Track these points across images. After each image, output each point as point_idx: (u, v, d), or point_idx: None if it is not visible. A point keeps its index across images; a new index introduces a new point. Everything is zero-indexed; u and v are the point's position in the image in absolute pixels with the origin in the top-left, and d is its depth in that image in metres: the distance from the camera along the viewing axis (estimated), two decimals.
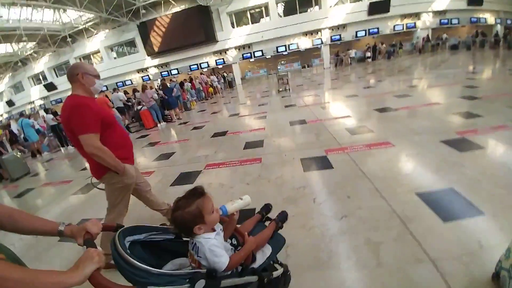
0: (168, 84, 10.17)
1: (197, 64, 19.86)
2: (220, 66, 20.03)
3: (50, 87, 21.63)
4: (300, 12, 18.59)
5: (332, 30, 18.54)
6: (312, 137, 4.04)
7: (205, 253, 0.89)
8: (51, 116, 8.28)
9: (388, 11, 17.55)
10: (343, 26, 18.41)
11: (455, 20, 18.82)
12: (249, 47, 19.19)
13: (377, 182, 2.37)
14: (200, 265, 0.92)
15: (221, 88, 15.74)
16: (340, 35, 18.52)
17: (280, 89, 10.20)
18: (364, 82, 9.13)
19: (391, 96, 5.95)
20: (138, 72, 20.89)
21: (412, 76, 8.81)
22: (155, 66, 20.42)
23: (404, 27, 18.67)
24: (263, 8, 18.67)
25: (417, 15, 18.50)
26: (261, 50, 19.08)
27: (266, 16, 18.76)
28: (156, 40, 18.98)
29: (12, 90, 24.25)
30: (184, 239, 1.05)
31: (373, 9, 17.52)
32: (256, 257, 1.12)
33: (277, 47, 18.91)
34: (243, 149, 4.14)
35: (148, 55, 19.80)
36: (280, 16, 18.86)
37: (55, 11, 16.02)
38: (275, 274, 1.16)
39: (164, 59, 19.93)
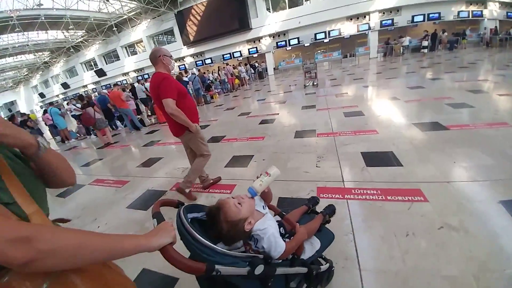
0: (187, 77, 9.70)
1: (230, 53, 19.16)
2: (255, 55, 18.97)
3: (100, 73, 23.51)
4: None
5: (383, 13, 15.77)
6: (310, 163, 2.95)
7: (264, 244, 0.89)
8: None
9: None
10: (397, 9, 15.49)
11: None
12: (284, 34, 17.64)
13: None
14: (258, 252, 0.91)
15: (249, 79, 14.85)
16: (392, 19, 15.65)
17: (307, 84, 8.86)
18: (414, 80, 7.23)
19: (443, 105, 4.32)
20: (176, 62, 21.16)
21: (477, 76, 6.61)
22: (190, 56, 20.41)
23: (470, 15, 14.97)
24: None
25: (483, 3, 14.69)
26: (297, 38, 17.35)
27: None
28: (191, 29, 18.77)
29: (67, 74, 27.09)
30: None
31: None
32: (305, 248, 1.11)
33: (315, 34, 16.95)
34: (224, 166, 3.30)
35: (184, 45, 19.80)
36: None
37: (100, 1, 16.87)
38: (323, 268, 1.16)
39: (199, 48, 19.72)
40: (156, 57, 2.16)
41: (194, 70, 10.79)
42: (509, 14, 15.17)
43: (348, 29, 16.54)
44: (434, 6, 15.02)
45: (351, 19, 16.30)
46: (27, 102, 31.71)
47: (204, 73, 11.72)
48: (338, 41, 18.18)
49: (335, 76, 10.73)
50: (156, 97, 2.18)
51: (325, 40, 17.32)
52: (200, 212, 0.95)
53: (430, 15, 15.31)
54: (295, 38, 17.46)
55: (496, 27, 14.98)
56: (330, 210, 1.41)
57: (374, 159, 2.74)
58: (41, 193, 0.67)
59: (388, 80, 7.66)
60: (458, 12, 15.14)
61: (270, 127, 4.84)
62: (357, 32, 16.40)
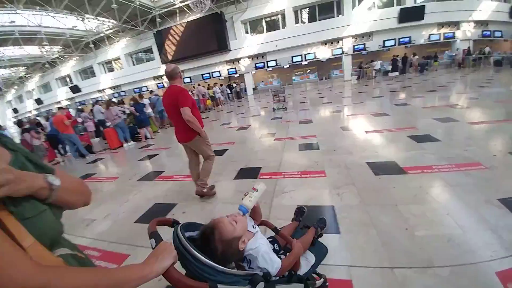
0: (148, 98, 9.01)
1: (209, 73, 18.81)
2: (236, 75, 18.72)
3: (75, 89, 22.34)
4: (320, 20, 16.54)
5: (356, 39, 16.17)
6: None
7: (258, 263, 0.87)
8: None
9: (422, 18, 14.77)
10: (369, 34, 15.94)
11: (497, 33, 15.53)
12: (262, 56, 17.62)
13: None
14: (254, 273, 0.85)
15: (224, 100, 14.36)
16: (364, 44, 16.05)
17: (275, 107, 8.38)
18: (380, 105, 6.92)
19: (405, 137, 3.84)
20: (154, 79, 20.53)
21: (447, 100, 6.38)
22: None
23: (441, 37, 15.58)
24: (279, 16, 17.00)
25: (456, 25, 15.38)
26: (275, 60, 17.35)
27: (282, 24, 17.03)
28: (170, 48, 18.42)
29: (41, 89, 25.60)
30: None
31: (404, 16, 14.87)
32: (301, 264, 1.08)
33: (292, 57, 17.03)
34: (133, 222, 2.53)
35: (162, 63, 19.30)
36: (303, 23, 16.96)
37: (78, 18, 16.25)
38: (318, 283, 1.14)
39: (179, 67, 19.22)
40: (176, 73, 2.49)
41: (157, 92, 10.11)
42: (484, 33, 15.71)
43: (323, 53, 16.77)
44: (404, 30, 15.52)
45: (325, 44, 16.57)
46: (1, 117, 29.54)
47: None
48: (315, 64, 18.37)
49: (307, 99, 10.41)
50: (172, 106, 2.50)
51: (303, 63, 17.41)
52: (195, 231, 0.93)
53: (401, 40, 15.83)
54: (273, 60, 17.45)
55: (469, 47, 15.36)
56: (322, 223, 1.40)
57: (310, 219, 2.08)
58: (61, 210, 0.66)
59: (355, 105, 7.32)
60: (429, 35, 15.64)
61: (217, 161, 4.14)
62: (331, 56, 16.64)
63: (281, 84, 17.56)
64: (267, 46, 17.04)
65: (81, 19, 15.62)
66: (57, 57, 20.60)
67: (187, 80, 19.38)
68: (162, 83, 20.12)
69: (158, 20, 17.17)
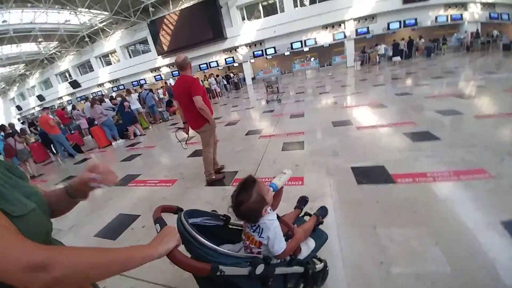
0: (138, 94, 8.68)
1: (206, 63, 18.20)
2: (235, 65, 18.05)
3: (75, 84, 22.17)
4: (320, 2, 15.54)
5: (359, 21, 15.18)
6: None
7: (270, 234, 0.91)
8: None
9: None
10: (372, 16, 14.93)
11: (505, 16, 14.23)
12: (260, 43, 16.85)
13: None
14: (261, 244, 0.93)
15: (220, 91, 13.89)
16: (368, 27, 15.07)
17: (269, 99, 7.93)
18: (379, 95, 6.40)
19: (401, 135, 3.42)
20: (152, 72, 20.09)
21: (452, 88, 5.81)
22: (166, 66, 19.36)
23: (449, 19, 14.47)
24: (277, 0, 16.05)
25: (463, 5, 14.19)
26: (274, 47, 16.57)
27: (280, 8, 16.10)
28: (165, 39, 17.81)
29: (42, 85, 25.52)
30: (231, 227, 1.08)
31: None
32: (302, 249, 1.12)
33: (291, 43, 16.21)
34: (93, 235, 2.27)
35: (158, 55, 18.79)
36: (302, 6, 15.95)
37: (70, 12, 15.77)
38: (318, 267, 1.17)
39: (175, 58, 18.65)
40: (186, 63, 2.63)
41: (146, 86, 9.76)
42: (492, 15, 14.68)
43: (324, 38, 15.88)
44: (410, 12, 14.50)
45: (326, 28, 15.65)
46: (6, 114, 29.91)
47: (162, 87, 10.75)
48: (316, 50, 17.50)
49: (305, 89, 9.86)
50: (184, 94, 2.60)
51: (305, 49, 16.55)
52: (199, 217, 0.98)
53: (407, 22, 14.79)
54: (271, 48, 16.68)
55: (477, 30, 14.40)
56: (323, 212, 1.47)
57: None
58: (48, 210, 0.68)
59: (352, 96, 6.80)
60: (436, 17, 14.62)
61: (193, 164, 3.84)
62: (333, 41, 15.74)
63: (279, 72, 16.88)
64: (265, 32, 16.22)
65: (74, 13, 15.16)
66: (54, 52, 20.33)
67: None
68: (160, 75, 19.68)
69: (151, 9, 16.52)
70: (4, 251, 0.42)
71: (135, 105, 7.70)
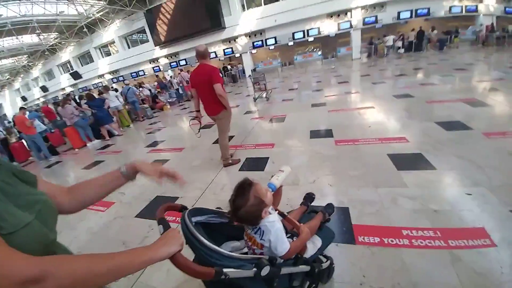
0: (113, 91, 8.10)
1: None
2: (237, 55, 17.10)
3: (76, 75, 21.93)
4: None
5: (366, 10, 13.84)
6: None
7: (271, 237, 0.88)
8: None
9: None
10: (381, 4, 13.55)
11: None
12: (261, 33, 15.80)
13: None
14: (263, 246, 0.91)
15: None
16: (376, 16, 13.73)
17: (257, 96, 7.18)
18: (377, 95, 5.57)
19: (384, 157, 2.70)
20: (150, 63, 19.49)
21: (463, 89, 4.91)
22: (164, 56, 18.66)
23: (463, 10, 12.97)
24: None
25: None
26: (275, 37, 15.51)
27: None
28: (162, 28, 17.04)
29: (45, 76, 25.37)
30: (236, 224, 0.99)
31: None
32: (308, 247, 1.09)
33: (293, 33, 15.10)
34: None
35: (155, 45, 18.11)
36: None
37: (65, 3, 15.20)
38: (324, 265, 1.16)
39: (173, 48, 17.91)
40: (206, 53, 2.75)
41: (127, 81, 9.20)
42: (507, 9, 13.13)
43: (329, 27, 14.65)
44: (422, 0, 13.07)
45: (331, 17, 14.38)
46: (12, 105, 30.34)
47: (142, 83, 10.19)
48: (320, 40, 16.28)
49: (300, 85, 9.01)
50: (204, 82, 2.71)
51: (309, 39, 15.38)
52: (204, 215, 0.95)
53: (418, 11, 13.37)
54: (272, 38, 15.62)
55: (492, 23, 12.98)
56: (330, 209, 1.42)
57: None
58: (54, 217, 0.65)
59: (347, 96, 5.97)
60: (450, 7, 13.18)
61: (141, 181, 3.26)
62: (338, 30, 14.50)
63: (280, 64, 15.90)
64: (266, 21, 15.12)
65: (68, 3, 14.58)
66: (55, 43, 19.99)
67: (183, 62, 18.16)
68: (158, 66, 19.06)
69: None
70: None
71: (114, 102, 7.16)
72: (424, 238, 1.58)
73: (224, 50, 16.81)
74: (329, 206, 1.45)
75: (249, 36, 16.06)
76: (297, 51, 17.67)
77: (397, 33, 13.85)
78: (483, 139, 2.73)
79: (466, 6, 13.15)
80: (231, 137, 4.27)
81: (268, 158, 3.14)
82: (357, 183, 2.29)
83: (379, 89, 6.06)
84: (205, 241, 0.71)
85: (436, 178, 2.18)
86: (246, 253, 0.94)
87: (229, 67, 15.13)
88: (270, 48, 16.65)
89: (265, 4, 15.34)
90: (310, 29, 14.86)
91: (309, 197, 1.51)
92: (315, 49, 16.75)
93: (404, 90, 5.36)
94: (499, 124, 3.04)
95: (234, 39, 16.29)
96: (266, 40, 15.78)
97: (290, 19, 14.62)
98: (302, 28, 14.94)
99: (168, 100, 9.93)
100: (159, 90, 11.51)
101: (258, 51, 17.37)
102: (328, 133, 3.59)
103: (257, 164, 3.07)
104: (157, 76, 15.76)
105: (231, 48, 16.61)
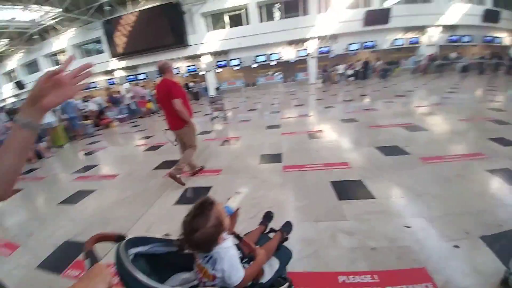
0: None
1: None
2: (201, 73, 16.78)
3: (20, 85, 19.08)
4: (285, 18, 15.26)
5: (322, 41, 15.12)
6: None
7: (224, 265, 0.80)
8: None
9: (387, 22, 13.99)
10: (335, 37, 14.98)
11: (466, 38, 15.05)
12: (225, 54, 15.98)
13: None
14: (214, 278, 0.81)
15: None
16: (329, 47, 15.07)
17: (214, 117, 6.91)
18: (325, 119, 5.77)
19: (327, 184, 2.60)
20: (105, 74, 18.01)
21: (400, 115, 5.36)
22: (122, 69, 17.47)
23: (406, 42, 15.03)
24: (243, 11, 15.41)
25: (422, 29, 14.82)
26: (239, 58, 15.82)
27: (246, 20, 15.48)
28: (120, 40, 16.06)
29: None
30: (187, 252, 0.88)
31: (370, 19, 14.02)
32: (264, 271, 1.01)
33: (256, 56, 15.61)
34: None
35: (112, 57, 16.93)
36: (269, 20, 15.43)
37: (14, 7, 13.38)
38: None
39: (132, 61, 16.91)
40: (166, 68, 2.76)
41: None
42: (451, 38, 15.18)
43: (288, 54, 15.55)
44: (370, 34, 14.74)
45: (291, 44, 15.35)
46: None
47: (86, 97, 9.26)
48: (281, 65, 17.11)
49: (258, 106, 9.08)
50: (165, 97, 2.72)
51: (272, 63, 16.04)
52: (147, 245, 0.84)
53: (366, 44, 15.08)
54: (236, 59, 15.90)
55: (435, 52, 14.78)
56: (288, 227, 1.39)
57: None
58: None
59: (300, 120, 6.08)
60: (394, 41, 15.06)
61: (56, 222, 2.62)
62: (297, 57, 15.48)
63: (244, 85, 16.14)
64: (230, 43, 15.40)
65: (24, 9, 12.86)
66: (3, 51, 17.33)
67: (142, 76, 17.21)
68: (113, 79, 17.70)
69: (107, 7, 14.82)
70: None
71: (47, 118, 6.11)
72: (361, 286, 1.40)
73: (187, 67, 16.46)
74: (287, 224, 1.41)
75: (214, 56, 16.10)
76: (260, 73, 18.23)
77: (347, 62, 15.32)
78: (420, 165, 2.83)
79: (409, 38, 15.03)
80: (176, 161, 3.86)
81: (211, 187, 2.81)
82: (298, 216, 2.10)
83: (329, 113, 6.33)
84: (143, 278, 0.63)
85: (375, 208, 2.11)
86: (197, 286, 0.86)
87: (191, 84, 14.70)
88: (235, 68, 16.92)
89: (230, 27, 15.74)
90: (271, 54, 15.57)
91: (268, 216, 1.44)
92: (276, 73, 17.46)
93: (350, 115, 5.66)
94: (435, 149, 3.22)
95: (198, 56, 16.13)
96: (230, 60, 15.97)
97: (254, 43, 15.15)
98: (265, 52, 15.57)
99: (117, 116, 9.02)
100: (108, 104, 10.46)
101: (223, 71, 17.45)
102: (277, 158, 3.45)
103: (198, 195, 2.72)
104: (108, 89, 14.50)
105: (195, 65, 16.36)
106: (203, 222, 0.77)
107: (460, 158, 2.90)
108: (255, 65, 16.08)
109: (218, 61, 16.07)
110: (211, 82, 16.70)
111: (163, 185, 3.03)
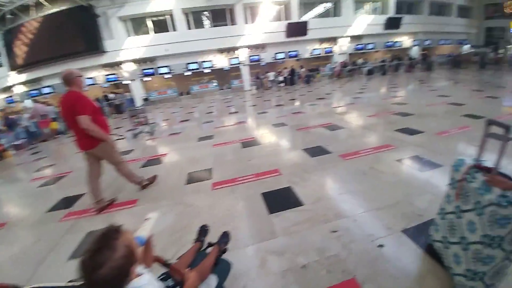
0: None
1: None
2: (125, 82, 14.70)
3: None
4: (214, 26, 15.13)
5: (251, 49, 15.63)
6: None
7: None
8: None
9: (305, 34, 15.61)
10: (262, 46, 15.72)
11: (370, 45, 18.15)
12: (152, 61, 14.62)
13: None
14: None
15: None
16: (259, 55, 15.73)
17: (136, 133, 6.02)
18: (255, 125, 5.79)
19: (258, 204, 2.44)
20: (2, 92, 13.90)
21: (323, 115, 5.83)
22: (22, 83, 13.84)
23: (322, 52, 17.11)
24: (168, 17, 14.47)
25: (334, 40, 17.16)
26: (168, 66, 14.73)
27: (172, 27, 14.59)
28: (21, 50, 12.91)
29: None
30: None
31: (291, 31, 15.33)
32: None
33: (187, 64, 14.87)
34: None
35: (12, 70, 13.31)
36: (197, 27, 14.90)
37: None
38: None
39: (34, 73, 13.65)
40: (71, 79, 2.23)
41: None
42: (357, 46, 17.73)
43: (221, 61, 15.44)
44: (292, 45, 16.09)
45: (222, 52, 15.29)
46: None
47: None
48: (215, 72, 16.86)
49: (191, 116, 8.54)
50: (69, 114, 2.21)
51: (205, 71, 15.50)
52: None
53: (290, 53, 16.39)
54: (165, 67, 14.76)
55: (345, 60, 17.14)
56: (225, 238, 1.33)
57: None
58: None
59: (233, 127, 5.94)
60: (312, 50, 16.81)
61: None
62: (230, 65, 15.53)
63: (177, 94, 15.11)
64: (156, 49, 14.19)
65: None
66: None
67: (48, 90, 14.04)
68: (12, 96, 13.86)
69: (9, 16, 11.51)
70: None
71: None
72: None
73: (106, 76, 14.28)
74: (225, 235, 1.34)
75: (139, 63, 14.51)
76: (194, 81, 17.47)
77: (276, 70, 16.31)
78: (341, 162, 2.98)
79: (325, 48, 17.02)
80: (81, 195, 3.03)
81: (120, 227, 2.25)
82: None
83: (262, 119, 6.39)
84: None
85: (303, 216, 2.02)
86: None
87: (111, 95, 12.74)
88: (165, 76, 15.67)
89: (155, 33, 14.50)
90: (203, 61, 15.13)
91: (203, 230, 1.36)
92: (211, 80, 17.09)
93: (281, 119, 5.84)
94: (351, 145, 3.50)
95: (118, 64, 14.20)
96: (158, 68, 14.70)
97: (183, 50, 14.40)
98: (196, 60, 15.01)
99: (14, 143, 6.90)
100: (3, 128, 7.92)
101: (152, 79, 15.91)
102: (207, 174, 3.11)
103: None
104: (3, 110, 11.30)
105: (115, 74, 14.35)
106: (109, 254, 0.62)
107: (372, 151, 3.21)
108: (188, 73, 15.30)
109: (144, 69, 14.57)
110: (138, 93, 14.98)
111: (58, 231, 2.27)
